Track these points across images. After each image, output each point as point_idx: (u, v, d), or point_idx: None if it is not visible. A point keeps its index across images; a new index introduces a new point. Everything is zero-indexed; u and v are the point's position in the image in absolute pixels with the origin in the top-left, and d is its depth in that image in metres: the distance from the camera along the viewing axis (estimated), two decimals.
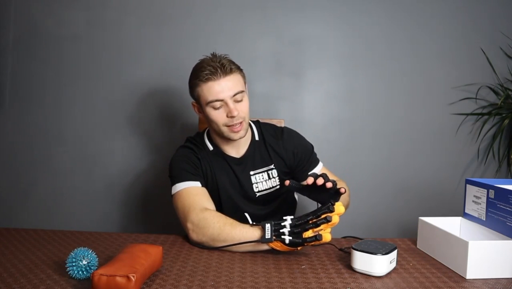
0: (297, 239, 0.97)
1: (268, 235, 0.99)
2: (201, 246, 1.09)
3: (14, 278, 0.85)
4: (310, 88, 1.99)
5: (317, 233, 0.97)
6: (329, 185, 1.04)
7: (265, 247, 1.03)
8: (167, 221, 1.98)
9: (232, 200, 1.32)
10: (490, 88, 2.03)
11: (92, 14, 1.93)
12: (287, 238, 0.97)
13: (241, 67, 1.28)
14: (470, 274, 0.89)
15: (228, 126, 1.23)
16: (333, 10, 1.97)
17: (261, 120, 1.43)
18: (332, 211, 0.96)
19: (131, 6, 1.93)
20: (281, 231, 0.99)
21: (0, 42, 1.89)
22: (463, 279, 0.89)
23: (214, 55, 1.25)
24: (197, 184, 1.22)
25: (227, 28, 1.95)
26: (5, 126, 1.95)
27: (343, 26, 1.98)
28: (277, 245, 1.00)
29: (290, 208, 1.47)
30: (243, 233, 1.04)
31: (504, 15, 2.02)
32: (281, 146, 1.35)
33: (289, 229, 0.98)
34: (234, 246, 1.04)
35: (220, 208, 1.29)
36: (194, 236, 1.09)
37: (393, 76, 2.01)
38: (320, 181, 1.04)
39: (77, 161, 1.96)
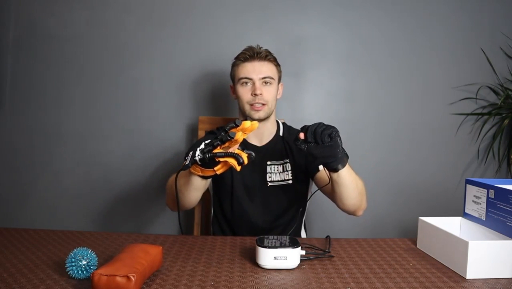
0: (207, 155, 0.96)
1: (187, 164, 0.99)
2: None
3: (14, 278, 0.85)
4: (310, 88, 1.99)
5: (225, 151, 0.97)
6: (300, 136, 1.03)
7: (199, 180, 1.06)
8: (167, 221, 1.99)
9: (246, 185, 1.38)
10: (490, 88, 2.03)
11: (92, 14, 1.93)
12: (197, 157, 0.97)
13: None
14: (470, 274, 0.89)
15: (251, 104, 1.34)
16: (333, 10, 1.97)
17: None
18: (237, 126, 0.95)
19: (131, 6, 1.93)
20: (195, 158, 0.99)
21: (0, 42, 1.89)
22: (463, 279, 0.89)
23: (258, 45, 1.40)
24: None
25: (227, 28, 1.95)
26: (5, 126, 1.95)
27: (343, 26, 1.98)
28: (197, 170, 1.01)
29: (301, 212, 1.46)
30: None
31: (504, 15, 2.02)
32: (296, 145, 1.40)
33: (199, 149, 0.98)
34: (184, 190, 1.10)
35: (231, 192, 1.38)
36: (166, 198, 1.26)
37: (393, 76, 2.01)
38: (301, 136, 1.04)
39: (77, 160, 1.95)
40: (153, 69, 1.95)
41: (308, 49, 1.98)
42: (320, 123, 1.03)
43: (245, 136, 0.97)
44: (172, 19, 1.94)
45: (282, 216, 1.40)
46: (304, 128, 1.03)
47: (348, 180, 1.13)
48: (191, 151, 1.00)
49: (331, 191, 1.20)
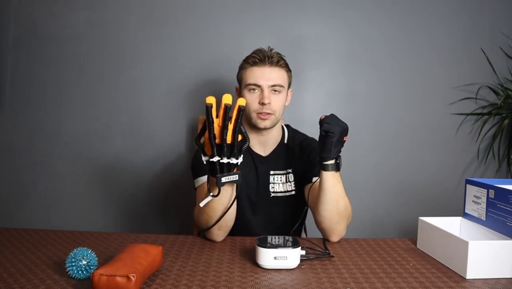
0: (242, 145, 0.98)
1: (235, 177, 0.99)
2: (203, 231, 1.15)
3: (14, 278, 0.85)
4: (310, 88, 1.99)
5: (240, 131, 0.96)
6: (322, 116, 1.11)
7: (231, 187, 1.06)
8: (167, 221, 1.99)
9: (249, 198, 1.34)
10: (490, 88, 2.03)
11: (92, 14, 1.93)
12: (239, 160, 0.99)
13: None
14: (470, 274, 0.89)
15: (257, 113, 1.27)
16: (333, 10, 1.97)
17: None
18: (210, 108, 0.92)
19: (131, 6, 1.93)
20: (231, 162, 0.97)
21: (0, 42, 1.89)
22: (463, 279, 0.89)
23: (269, 48, 1.32)
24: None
25: (227, 28, 1.95)
26: (5, 126, 1.95)
27: (343, 26, 1.98)
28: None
29: (303, 216, 1.43)
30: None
31: (504, 15, 2.02)
32: (299, 151, 1.38)
33: (227, 155, 0.96)
34: (223, 208, 1.08)
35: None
36: (211, 235, 1.14)
37: (393, 76, 2.01)
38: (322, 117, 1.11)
39: (77, 161, 1.95)
40: (153, 69, 1.95)
41: (308, 49, 1.98)
42: (341, 122, 1.10)
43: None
44: (172, 19, 1.94)
45: (285, 227, 1.36)
46: (328, 115, 1.11)
47: (329, 188, 1.11)
48: (207, 175, 1.02)
49: (316, 201, 1.17)
